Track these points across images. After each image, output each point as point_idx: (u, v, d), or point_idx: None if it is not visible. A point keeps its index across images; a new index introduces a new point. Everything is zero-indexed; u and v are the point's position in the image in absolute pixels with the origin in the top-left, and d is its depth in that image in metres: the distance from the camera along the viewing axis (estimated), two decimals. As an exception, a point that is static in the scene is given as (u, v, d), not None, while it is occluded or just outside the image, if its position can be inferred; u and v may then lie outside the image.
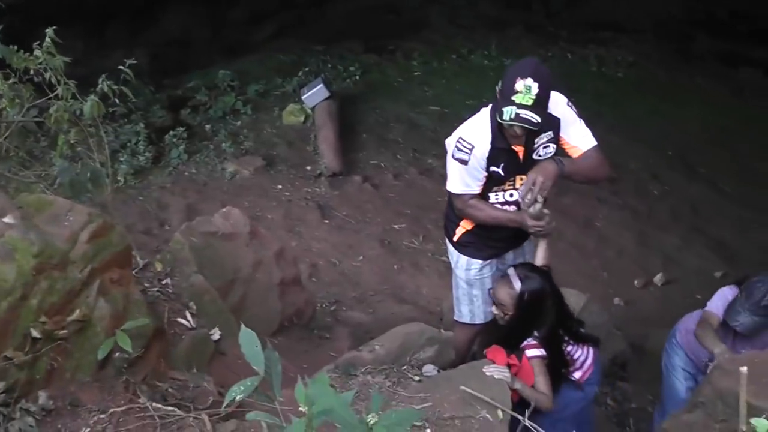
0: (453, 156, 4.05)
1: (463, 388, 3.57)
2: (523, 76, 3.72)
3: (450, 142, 4.09)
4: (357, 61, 11.34)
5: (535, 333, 3.93)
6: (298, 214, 8.07)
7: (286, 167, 8.94)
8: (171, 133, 9.16)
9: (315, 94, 9.61)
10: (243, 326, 1.91)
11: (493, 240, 4.31)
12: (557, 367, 4.00)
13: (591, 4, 13.31)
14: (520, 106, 3.70)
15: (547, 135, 4.01)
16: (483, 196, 4.16)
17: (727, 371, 3.73)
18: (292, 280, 5.05)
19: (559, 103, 4.02)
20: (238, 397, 1.83)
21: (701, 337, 4.35)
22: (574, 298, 5.93)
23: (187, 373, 3.63)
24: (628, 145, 9.89)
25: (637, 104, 11.08)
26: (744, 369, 1.89)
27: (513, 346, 3.96)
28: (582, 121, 4.08)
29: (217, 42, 11.43)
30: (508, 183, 4.10)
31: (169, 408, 3.22)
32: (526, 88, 3.70)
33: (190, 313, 4.08)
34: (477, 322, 4.58)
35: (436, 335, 4.20)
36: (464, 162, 4.00)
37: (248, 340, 1.85)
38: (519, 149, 4.00)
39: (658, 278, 7.64)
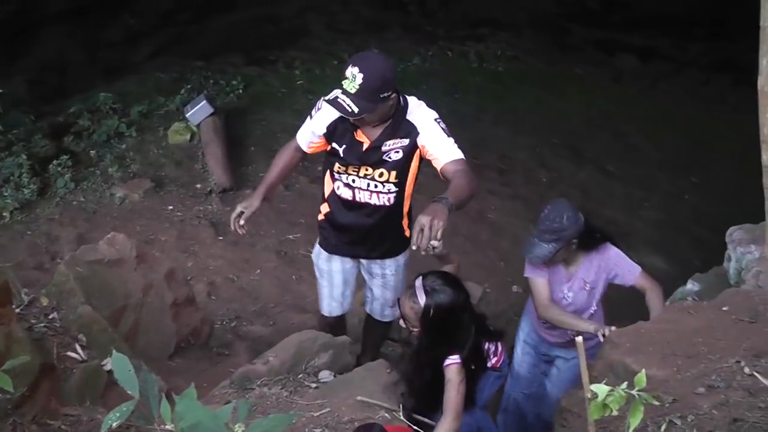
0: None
1: (360, 398, 3.60)
2: (353, 64, 3.79)
3: None
4: (239, 75, 11.25)
5: (456, 353, 3.71)
6: (191, 234, 7.98)
7: (175, 187, 8.83)
8: (55, 162, 8.92)
9: (199, 110, 9.51)
10: (114, 351, 1.89)
11: (336, 233, 4.43)
12: (478, 370, 3.94)
13: (466, 2, 13.52)
14: (344, 91, 3.79)
15: (401, 141, 4.04)
16: (329, 169, 4.28)
17: (616, 344, 3.85)
18: (185, 300, 4.99)
19: (424, 117, 4.05)
20: (114, 424, 1.80)
21: (559, 323, 4.40)
22: (472, 290, 6.03)
23: (80, 408, 3.54)
24: (515, 137, 10.12)
25: (519, 96, 11.33)
26: (580, 339, 1.96)
27: (427, 365, 3.78)
28: (451, 139, 4.02)
29: (95, 64, 11.19)
30: (351, 168, 4.15)
31: (61, 444, 3.14)
32: (351, 76, 3.76)
33: (80, 345, 3.96)
34: (322, 312, 4.73)
35: (329, 340, 4.21)
36: (311, 116, 4.18)
37: (120, 364, 1.82)
38: (364, 140, 4.06)
39: (553, 262, 7.80)
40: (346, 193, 4.25)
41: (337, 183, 4.27)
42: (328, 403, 3.59)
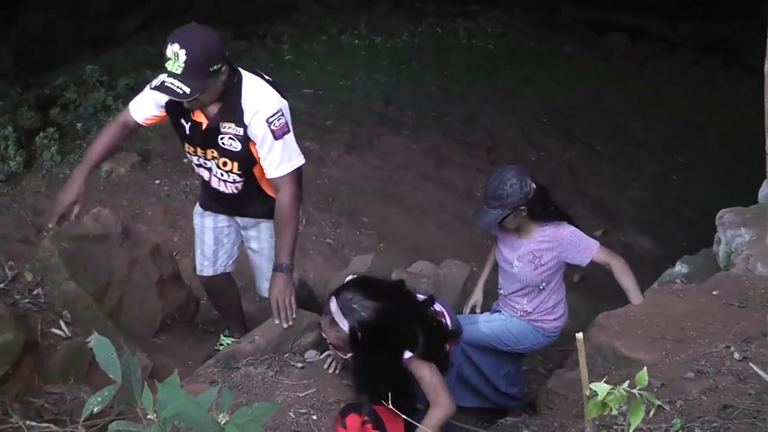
0: None
1: (345, 382, 3.57)
2: (172, 42, 3.44)
3: None
4: (227, 49, 11.13)
5: (409, 353, 3.30)
6: (178, 209, 7.89)
7: (162, 161, 8.74)
8: (41, 134, 8.82)
9: (186, 84, 9.41)
10: (95, 334, 1.85)
11: (207, 192, 4.18)
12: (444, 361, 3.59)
13: (456, -22, 13.43)
14: (170, 74, 3.44)
15: (235, 129, 3.72)
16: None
17: (604, 327, 3.84)
18: (171, 276, 4.93)
19: (258, 113, 3.67)
20: (95, 409, 1.76)
21: None
22: (459, 269, 6.02)
23: (64, 386, 3.49)
24: (503, 114, 10.09)
25: (509, 74, 11.31)
26: (580, 335, 1.92)
27: (376, 377, 3.30)
28: (283, 141, 3.73)
29: (81, 36, 11.05)
30: (199, 149, 3.87)
31: (44, 425, 3.10)
32: (174, 55, 3.41)
33: (65, 321, 3.93)
34: (198, 272, 4.53)
35: (316, 319, 4.16)
36: (151, 86, 3.71)
37: (102, 347, 1.78)
38: (202, 120, 3.76)
39: (540, 241, 7.78)
40: (203, 173, 4.01)
41: (194, 164, 4.05)
42: (314, 384, 3.56)
